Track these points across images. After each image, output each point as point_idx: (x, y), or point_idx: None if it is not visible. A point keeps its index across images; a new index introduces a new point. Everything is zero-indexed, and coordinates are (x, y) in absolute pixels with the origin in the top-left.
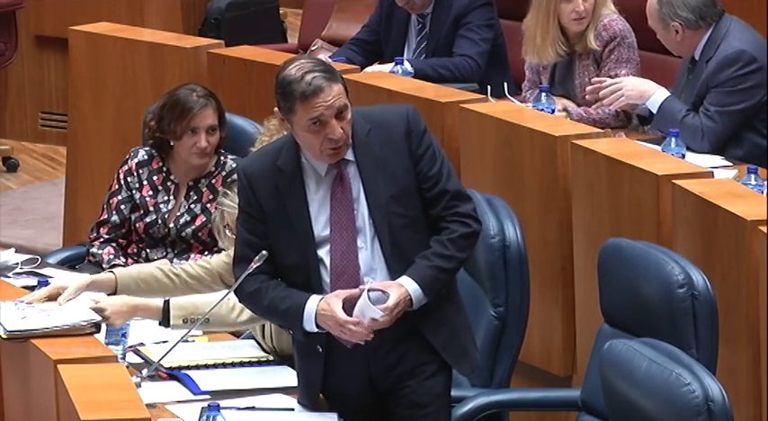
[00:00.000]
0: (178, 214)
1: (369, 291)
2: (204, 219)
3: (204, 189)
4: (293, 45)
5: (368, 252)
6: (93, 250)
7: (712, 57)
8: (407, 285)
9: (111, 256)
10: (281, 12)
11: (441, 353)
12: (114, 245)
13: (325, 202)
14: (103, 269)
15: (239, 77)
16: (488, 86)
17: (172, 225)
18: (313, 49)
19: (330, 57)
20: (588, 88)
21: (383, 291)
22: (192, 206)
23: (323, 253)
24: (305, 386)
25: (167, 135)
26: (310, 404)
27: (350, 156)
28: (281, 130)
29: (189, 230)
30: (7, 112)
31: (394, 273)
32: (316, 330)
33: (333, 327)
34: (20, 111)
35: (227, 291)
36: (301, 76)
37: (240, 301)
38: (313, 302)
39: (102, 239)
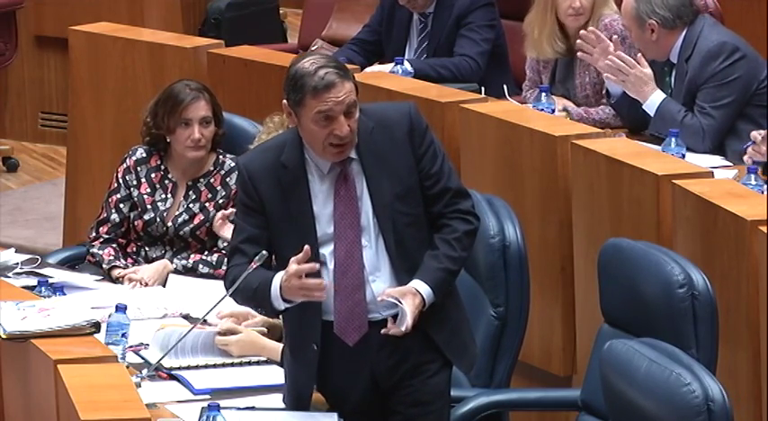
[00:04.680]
0: (176, 213)
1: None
2: (202, 218)
3: (203, 188)
4: (293, 45)
5: (372, 250)
6: (94, 250)
7: (691, 55)
8: (421, 289)
9: (112, 257)
10: (281, 12)
11: (443, 350)
12: (115, 245)
13: (328, 200)
14: (103, 269)
15: (239, 77)
16: (482, 87)
17: (170, 224)
18: (313, 49)
19: None
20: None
21: (397, 299)
22: (191, 205)
23: (325, 251)
24: (294, 385)
25: (162, 130)
26: (296, 405)
27: (353, 153)
28: (280, 128)
29: (187, 229)
30: (7, 112)
31: (398, 272)
32: (283, 307)
33: (297, 291)
34: (20, 112)
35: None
36: (314, 70)
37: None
38: (278, 278)
39: (102, 239)
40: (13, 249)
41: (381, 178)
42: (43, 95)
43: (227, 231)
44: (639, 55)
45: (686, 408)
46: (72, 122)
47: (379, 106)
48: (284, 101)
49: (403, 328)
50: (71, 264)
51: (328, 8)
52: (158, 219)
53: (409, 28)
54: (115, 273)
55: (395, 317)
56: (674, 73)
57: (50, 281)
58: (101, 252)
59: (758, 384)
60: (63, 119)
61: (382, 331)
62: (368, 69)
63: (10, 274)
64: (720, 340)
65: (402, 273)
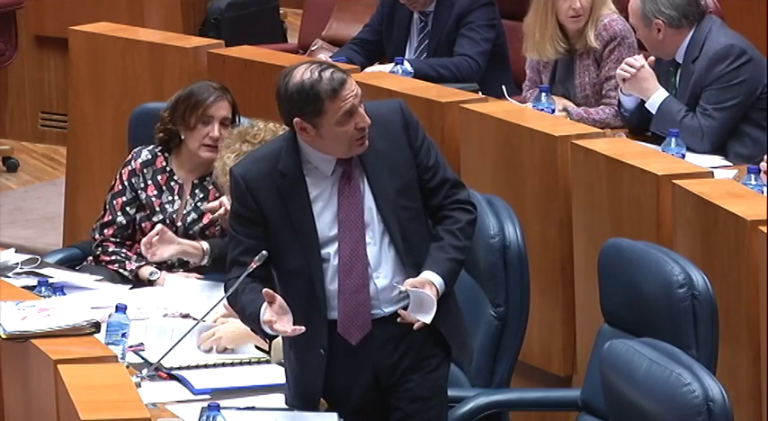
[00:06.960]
0: (184, 213)
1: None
2: (212, 217)
3: (210, 187)
4: (293, 45)
5: (376, 247)
6: (111, 249)
7: (698, 56)
8: (434, 280)
9: (137, 255)
10: (281, 12)
11: (447, 341)
12: (127, 248)
13: (330, 201)
14: (127, 270)
15: (239, 77)
16: (480, 88)
17: (180, 223)
18: (313, 49)
19: (331, 57)
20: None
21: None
22: (199, 204)
23: (329, 252)
24: (300, 387)
25: (179, 126)
26: (303, 405)
27: None
28: (237, 142)
29: (197, 228)
30: (7, 112)
31: (405, 267)
32: (273, 334)
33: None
34: (20, 112)
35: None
36: (318, 75)
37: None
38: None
39: (112, 241)
40: (13, 249)
41: (382, 174)
42: (43, 95)
43: (159, 253)
44: (639, 56)
45: (686, 408)
46: (72, 122)
47: (369, 105)
48: (296, 119)
49: (429, 319)
50: (71, 264)
51: (328, 8)
52: (167, 221)
53: (409, 27)
54: (145, 271)
55: (404, 308)
56: (679, 73)
57: (50, 281)
58: (122, 251)
59: (758, 384)
60: (63, 119)
61: (399, 320)
62: (368, 69)
63: (10, 274)
64: (720, 340)
65: (409, 268)
